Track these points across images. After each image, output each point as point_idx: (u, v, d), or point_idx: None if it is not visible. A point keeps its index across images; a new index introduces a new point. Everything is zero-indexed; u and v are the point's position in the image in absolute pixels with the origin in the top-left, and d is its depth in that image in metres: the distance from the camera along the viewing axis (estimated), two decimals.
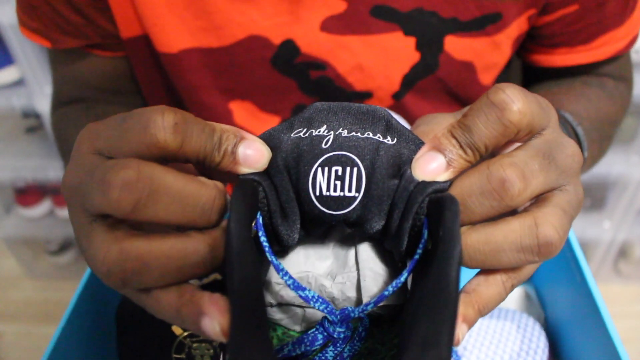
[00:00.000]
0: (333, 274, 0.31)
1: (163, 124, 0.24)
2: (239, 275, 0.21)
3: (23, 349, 1.37)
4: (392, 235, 0.27)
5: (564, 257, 0.45)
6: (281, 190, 0.27)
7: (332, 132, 0.27)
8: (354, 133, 0.27)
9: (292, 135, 0.28)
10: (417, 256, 0.25)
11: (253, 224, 0.26)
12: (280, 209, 0.27)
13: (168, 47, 0.50)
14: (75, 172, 0.25)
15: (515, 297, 0.52)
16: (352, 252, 0.31)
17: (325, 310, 0.26)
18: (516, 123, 0.25)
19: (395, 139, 0.27)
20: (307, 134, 0.27)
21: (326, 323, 0.27)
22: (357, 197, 0.26)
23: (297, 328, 0.33)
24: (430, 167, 0.26)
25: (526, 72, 0.64)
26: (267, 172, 0.27)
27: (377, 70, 0.51)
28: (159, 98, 0.59)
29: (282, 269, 0.26)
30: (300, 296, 0.26)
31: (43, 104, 1.14)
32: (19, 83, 1.19)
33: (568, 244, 0.44)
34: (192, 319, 0.23)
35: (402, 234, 0.26)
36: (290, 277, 0.26)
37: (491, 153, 0.26)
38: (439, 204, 0.24)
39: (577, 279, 0.42)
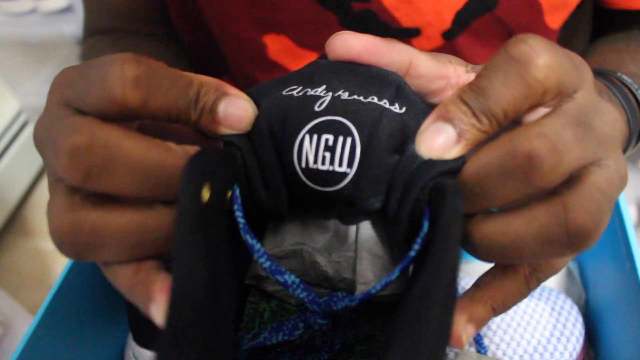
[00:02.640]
0: (330, 250, 0.28)
1: (122, 77, 0.20)
2: (181, 271, 0.18)
3: None
4: (390, 221, 0.23)
5: (613, 233, 0.39)
6: (263, 158, 0.23)
7: (330, 94, 0.23)
8: (355, 96, 0.22)
9: (283, 93, 0.23)
10: (412, 253, 0.20)
11: (229, 195, 0.23)
12: (262, 178, 0.23)
13: None
14: (42, 123, 0.23)
15: None
16: (353, 227, 0.28)
17: (306, 299, 0.23)
18: (542, 81, 0.20)
19: (404, 108, 0.22)
20: (301, 93, 0.23)
21: (307, 312, 0.24)
22: (348, 174, 0.22)
23: (293, 301, 0.30)
24: (437, 141, 0.21)
25: (597, 19, 0.56)
26: (250, 136, 0.23)
27: (427, 4, 0.45)
28: (189, 30, 0.55)
29: (258, 250, 0.22)
30: (278, 282, 0.23)
31: None
32: (68, 10, 1.18)
33: (619, 216, 0.38)
34: (142, 303, 0.21)
35: (400, 222, 0.22)
36: (268, 259, 0.22)
37: (512, 124, 0.21)
38: (441, 194, 0.19)
39: (627, 266, 0.36)
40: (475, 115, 0.20)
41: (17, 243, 1.43)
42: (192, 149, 0.22)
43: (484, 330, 0.40)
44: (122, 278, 0.22)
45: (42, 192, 1.56)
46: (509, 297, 0.23)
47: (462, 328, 0.22)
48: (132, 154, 0.20)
